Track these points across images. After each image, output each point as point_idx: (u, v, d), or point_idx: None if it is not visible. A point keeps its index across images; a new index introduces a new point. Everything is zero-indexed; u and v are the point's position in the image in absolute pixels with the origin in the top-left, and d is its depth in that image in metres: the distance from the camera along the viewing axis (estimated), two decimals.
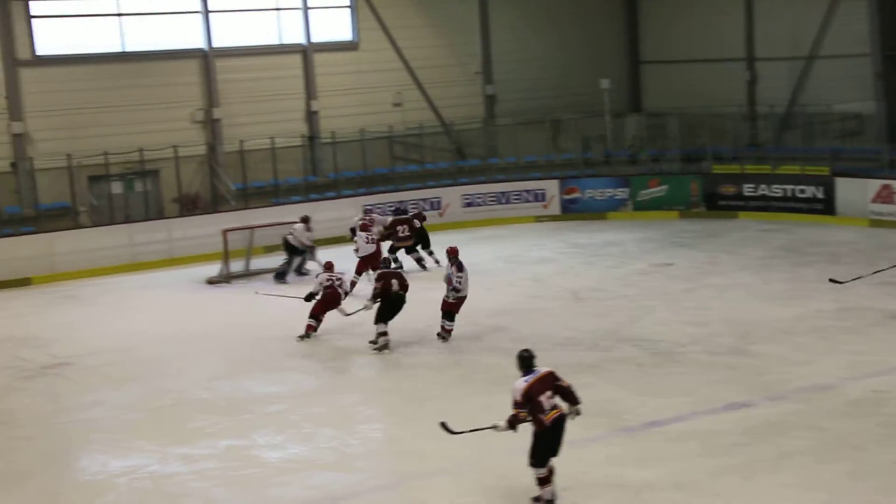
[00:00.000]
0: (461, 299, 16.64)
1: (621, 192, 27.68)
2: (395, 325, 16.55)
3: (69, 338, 18.45)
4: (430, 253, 22.21)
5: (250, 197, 26.67)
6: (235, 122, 27.15)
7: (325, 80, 28.55)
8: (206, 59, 27.01)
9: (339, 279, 17.63)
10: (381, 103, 29.05)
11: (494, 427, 10.55)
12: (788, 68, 28.95)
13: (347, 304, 17.60)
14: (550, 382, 10.47)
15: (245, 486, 11.65)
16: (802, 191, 25.71)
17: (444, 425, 10.94)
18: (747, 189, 26.44)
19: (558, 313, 18.42)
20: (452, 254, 16.76)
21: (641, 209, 27.42)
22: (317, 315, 17.38)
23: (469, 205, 27.76)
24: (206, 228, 24.44)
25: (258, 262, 23.00)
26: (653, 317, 17.82)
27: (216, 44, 27.08)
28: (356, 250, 21.02)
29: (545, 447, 10.42)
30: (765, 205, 26.19)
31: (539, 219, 27.67)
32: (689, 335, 16.52)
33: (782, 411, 13.04)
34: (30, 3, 25.03)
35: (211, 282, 22.08)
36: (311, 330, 17.32)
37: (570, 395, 10.58)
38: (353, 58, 29.16)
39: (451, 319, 16.67)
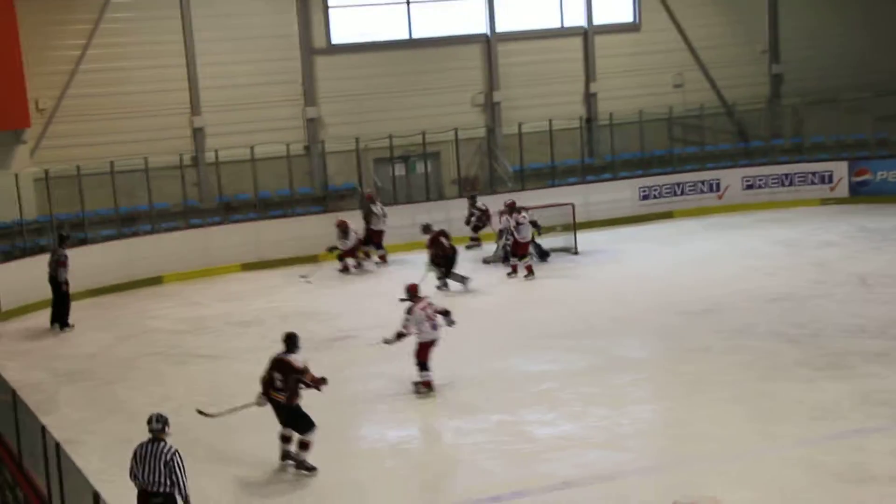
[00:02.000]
0: (422, 344, 14.25)
1: None
2: (646, 309, 16.27)
3: (352, 312, 19.28)
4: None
5: (527, 179, 26.95)
6: (514, 105, 27.46)
7: (605, 62, 28.40)
8: (489, 43, 27.47)
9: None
10: (660, 84, 28.61)
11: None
12: None
13: None
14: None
15: (516, 461, 11.84)
16: None
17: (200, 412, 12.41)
18: None
19: (843, 299, 17.60)
20: (410, 291, 14.65)
21: None
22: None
23: (750, 187, 26.91)
24: None
25: None
26: None
27: (499, 28, 27.49)
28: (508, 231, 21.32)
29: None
30: None
31: (825, 202, 26.47)
32: None
33: None
34: None
35: (486, 261, 22.49)
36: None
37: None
38: (634, 39, 28.84)
39: (423, 368, 14.24)
